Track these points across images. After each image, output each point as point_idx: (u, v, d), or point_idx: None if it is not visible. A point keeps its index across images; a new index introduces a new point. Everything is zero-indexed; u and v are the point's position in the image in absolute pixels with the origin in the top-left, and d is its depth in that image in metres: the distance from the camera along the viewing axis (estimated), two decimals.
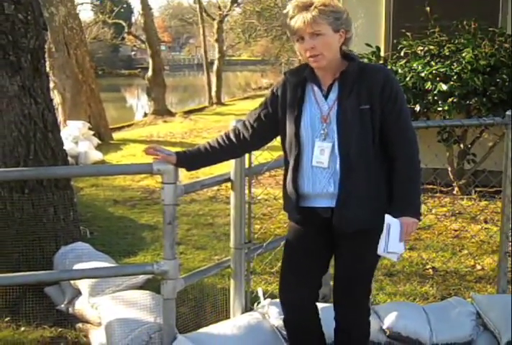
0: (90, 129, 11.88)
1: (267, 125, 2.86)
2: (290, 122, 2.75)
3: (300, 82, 2.76)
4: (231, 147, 2.93)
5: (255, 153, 3.44)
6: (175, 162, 2.92)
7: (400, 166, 2.68)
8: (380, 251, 2.63)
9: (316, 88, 2.74)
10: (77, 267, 3.90)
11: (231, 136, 2.91)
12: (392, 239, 2.61)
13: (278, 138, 2.91)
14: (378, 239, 2.74)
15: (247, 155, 3.39)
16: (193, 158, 2.95)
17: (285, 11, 2.69)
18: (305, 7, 2.60)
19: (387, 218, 2.62)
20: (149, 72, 19.37)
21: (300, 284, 2.89)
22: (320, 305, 3.13)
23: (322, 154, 2.68)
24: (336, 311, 2.95)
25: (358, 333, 2.97)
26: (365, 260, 2.83)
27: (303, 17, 2.59)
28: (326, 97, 2.72)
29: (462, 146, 7.03)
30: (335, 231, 2.76)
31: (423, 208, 6.23)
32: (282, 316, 3.05)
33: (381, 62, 6.97)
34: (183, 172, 3.05)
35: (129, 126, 17.30)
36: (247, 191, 3.48)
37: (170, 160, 2.92)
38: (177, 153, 2.94)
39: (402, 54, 7.05)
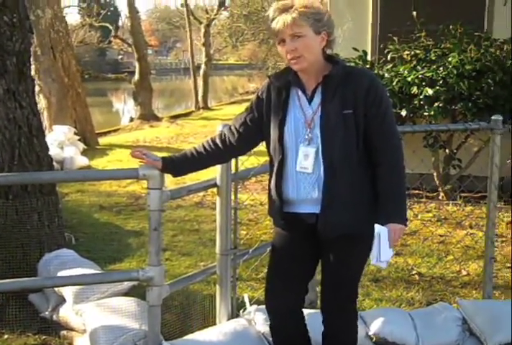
0: (75, 133, 11.79)
1: (253, 129, 2.84)
2: (275, 127, 2.74)
3: (285, 86, 2.74)
4: (218, 152, 2.91)
5: (241, 158, 3.43)
6: (160, 167, 2.90)
7: (384, 172, 2.67)
8: (374, 261, 2.62)
9: (300, 93, 2.73)
10: (61, 273, 3.86)
11: (218, 141, 2.90)
12: (383, 248, 2.60)
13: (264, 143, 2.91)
14: (363, 244, 2.74)
15: (233, 160, 3.37)
16: (179, 164, 2.93)
17: (266, 14, 2.69)
18: (286, 9, 2.60)
19: (377, 227, 2.60)
20: (136, 77, 19.31)
21: (286, 290, 2.87)
22: (307, 311, 3.13)
23: (306, 159, 2.67)
24: (324, 317, 2.94)
25: (346, 338, 2.97)
26: (351, 265, 2.82)
27: (283, 19, 2.58)
28: (310, 101, 2.70)
29: (447, 151, 7.05)
30: (320, 236, 2.76)
31: (408, 213, 6.25)
32: (269, 323, 3.03)
33: (368, 66, 6.98)
34: (168, 178, 3.03)
35: (115, 131, 17.19)
36: (233, 197, 3.47)
37: (156, 165, 2.89)
38: (163, 158, 2.92)
39: (388, 58, 7.06)
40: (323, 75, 2.66)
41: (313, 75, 2.69)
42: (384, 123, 2.66)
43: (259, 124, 2.82)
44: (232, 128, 2.88)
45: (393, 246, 2.64)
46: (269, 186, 2.86)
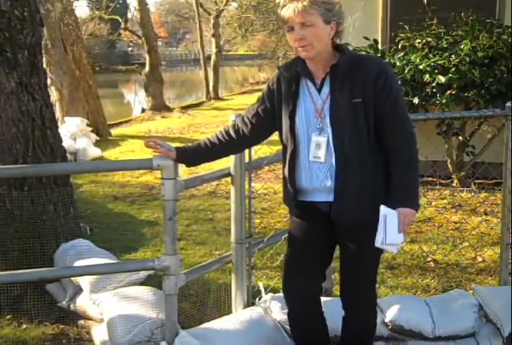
0: (88, 125, 11.85)
1: (265, 120, 2.85)
2: (286, 117, 2.75)
3: (294, 76, 2.74)
4: (231, 143, 2.93)
5: (255, 147, 3.43)
6: (174, 157, 2.91)
7: (396, 157, 2.66)
8: (378, 243, 2.63)
9: (309, 83, 2.72)
10: (78, 263, 3.89)
11: (231, 131, 2.91)
12: (390, 231, 2.60)
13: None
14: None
15: (246, 150, 3.38)
16: (193, 154, 2.94)
17: (277, 1, 2.68)
18: None
19: (383, 209, 2.61)
20: (147, 68, 19.32)
21: (303, 278, 2.89)
22: (323, 299, 3.13)
23: (318, 148, 2.68)
24: (343, 303, 2.98)
25: (366, 323, 3.01)
26: (367, 252, 2.83)
27: (294, 6, 2.56)
28: (319, 91, 2.70)
29: (460, 138, 7.02)
30: (335, 224, 2.77)
31: (423, 200, 6.24)
32: (285, 311, 3.05)
33: (379, 54, 6.95)
34: (182, 168, 3.04)
35: (127, 122, 17.26)
36: (247, 186, 3.47)
37: (170, 155, 2.91)
38: (177, 148, 2.93)
39: (400, 46, 7.03)
40: (332, 65, 2.65)
41: (322, 65, 2.68)
42: (395, 108, 2.65)
43: (271, 115, 2.82)
44: (245, 118, 2.89)
45: (404, 231, 2.63)
46: (283, 175, 2.87)
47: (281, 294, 3.51)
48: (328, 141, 2.66)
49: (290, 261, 2.94)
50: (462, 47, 6.51)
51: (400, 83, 6.36)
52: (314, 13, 2.56)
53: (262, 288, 3.70)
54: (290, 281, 2.94)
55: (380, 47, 7.22)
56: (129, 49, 55.63)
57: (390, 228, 2.60)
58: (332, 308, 3.04)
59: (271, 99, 2.81)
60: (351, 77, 2.62)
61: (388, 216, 2.60)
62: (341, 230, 2.79)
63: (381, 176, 2.71)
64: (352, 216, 2.70)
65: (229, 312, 3.59)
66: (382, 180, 2.71)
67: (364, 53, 6.76)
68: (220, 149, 2.95)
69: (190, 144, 2.98)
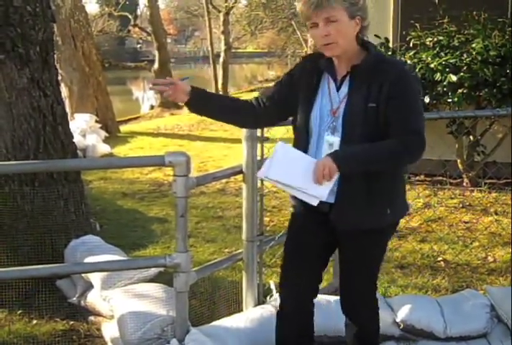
0: (97, 121, 11.86)
1: (279, 105, 2.74)
2: (301, 111, 2.67)
3: (317, 70, 2.65)
4: (243, 111, 2.78)
5: (266, 145, 3.42)
6: (188, 90, 2.65)
7: (389, 140, 2.49)
8: (258, 173, 2.58)
9: (330, 79, 2.64)
10: (88, 260, 3.89)
11: (247, 103, 2.78)
12: (275, 166, 2.50)
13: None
14: (379, 237, 2.74)
15: (258, 147, 3.36)
16: (204, 99, 2.71)
17: None
18: None
19: (278, 144, 2.54)
20: (156, 65, 19.33)
21: (299, 278, 2.83)
22: (332, 298, 3.12)
23: (330, 149, 2.57)
24: (343, 306, 2.91)
25: (368, 328, 2.93)
26: (366, 258, 2.77)
27: (317, 1, 2.44)
28: (338, 89, 2.61)
29: (471, 137, 6.99)
30: (334, 227, 2.69)
31: (433, 199, 6.21)
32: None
33: (390, 53, 6.93)
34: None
35: (135, 118, 17.28)
36: (259, 183, 3.46)
37: (184, 89, 2.65)
38: (193, 88, 2.67)
39: (411, 45, 7.00)
40: (352, 65, 2.56)
41: (345, 62, 2.58)
42: (405, 118, 2.49)
43: (284, 102, 2.72)
44: (259, 99, 2.77)
45: (320, 182, 2.47)
46: None
47: None
48: (340, 141, 2.57)
49: (286, 261, 2.87)
50: (474, 45, 6.48)
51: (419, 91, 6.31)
52: (339, 7, 2.45)
53: (272, 286, 3.70)
54: (285, 281, 2.87)
55: (390, 45, 7.19)
56: (138, 46, 55.66)
57: (275, 163, 2.51)
58: (338, 307, 3.00)
59: (289, 87, 2.72)
60: (370, 80, 2.52)
61: (278, 151, 2.52)
62: (340, 234, 2.72)
63: (387, 183, 2.61)
64: (352, 221, 2.62)
65: (240, 310, 3.59)
66: (388, 187, 2.62)
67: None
68: (230, 109, 2.77)
69: (207, 90, 2.77)
